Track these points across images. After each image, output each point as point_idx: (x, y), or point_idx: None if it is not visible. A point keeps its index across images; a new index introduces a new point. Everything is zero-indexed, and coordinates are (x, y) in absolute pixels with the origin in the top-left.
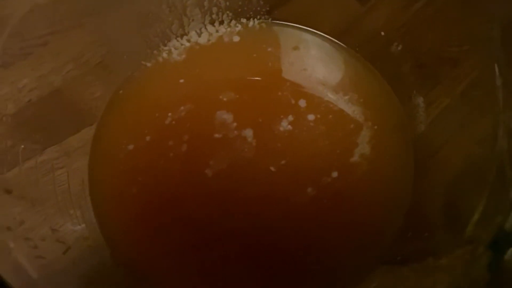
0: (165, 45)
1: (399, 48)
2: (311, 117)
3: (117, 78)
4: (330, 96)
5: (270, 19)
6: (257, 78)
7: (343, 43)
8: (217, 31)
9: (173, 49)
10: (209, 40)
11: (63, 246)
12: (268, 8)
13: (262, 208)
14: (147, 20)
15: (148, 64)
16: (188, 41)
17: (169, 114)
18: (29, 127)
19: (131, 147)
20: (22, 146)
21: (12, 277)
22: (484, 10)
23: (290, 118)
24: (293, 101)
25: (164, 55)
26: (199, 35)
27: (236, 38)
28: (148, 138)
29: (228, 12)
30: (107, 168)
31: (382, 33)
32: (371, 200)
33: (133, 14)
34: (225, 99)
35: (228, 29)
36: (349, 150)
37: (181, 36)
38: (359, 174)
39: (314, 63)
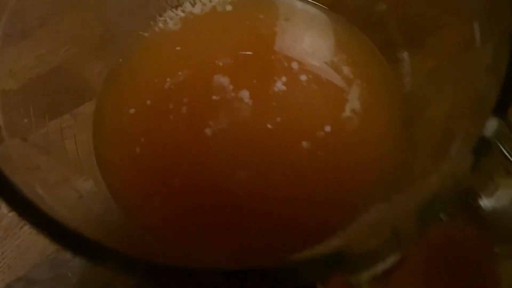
0: (161, 16)
1: (384, 7)
2: (303, 77)
3: (116, 52)
4: (320, 58)
5: None
6: (250, 44)
7: (331, 10)
8: (210, 1)
9: (168, 19)
10: (203, 10)
11: (77, 193)
12: None
13: (260, 162)
14: None
15: (146, 34)
16: (183, 11)
17: (168, 79)
18: (32, 102)
19: (132, 111)
20: (25, 120)
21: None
22: None
23: (284, 79)
24: (285, 64)
25: (161, 25)
26: (193, 5)
27: (229, 7)
28: (148, 102)
29: None
30: (110, 131)
31: None
32: (362, 152)
33: None
34: (221, 63)
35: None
36: (340, 106)
37: (176, 7)
38: (351, 128)
39: (304, 29)
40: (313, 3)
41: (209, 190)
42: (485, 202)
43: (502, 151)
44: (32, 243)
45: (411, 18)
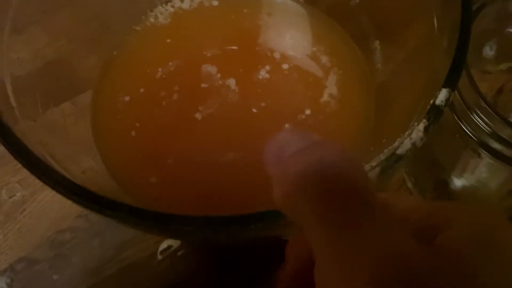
0: (151, 11)
1: (357, 1)
2: (285, 66)
3: (109, 46)
4: (301, 49)
5: None
6: (236, 36)
7: (310, 4)
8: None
9: (159, 14)
10: (191, 6)
11: (80, 169)
12: None
13: (246, 142)
14: None
15: (138, 28)
16: (172, 6)
17: (160, 69)
18: (37, 90)
19: (127, 98)
20: (33, 105)
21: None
22: None
23: (267, 68)
24: (269, 54)
25: (152, 19)
26: (182, 1)
27: (215, 3)
28: (142, 90)
29: None
30: (107, 117)
31: None
32: (339, 132)
33: None
34: (208, 54)
35: None
36: (319, 91)
37: (166, 3)
38: (328, 111)
39: (285, 22)
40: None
41: (200, 169)
42: (454, 180)
43: (464, 130)
44: (32, 226)
45: (382, 12)
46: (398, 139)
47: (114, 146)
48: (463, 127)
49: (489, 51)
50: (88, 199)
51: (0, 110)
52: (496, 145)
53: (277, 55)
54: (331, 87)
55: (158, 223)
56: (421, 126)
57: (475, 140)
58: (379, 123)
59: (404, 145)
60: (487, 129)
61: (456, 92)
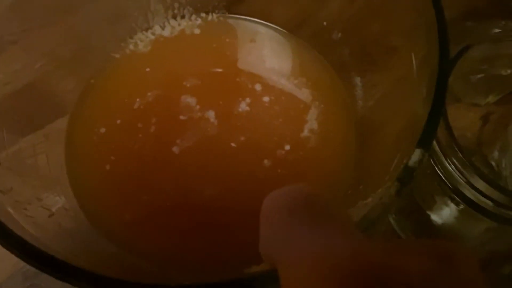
0: (131, 38)
1: (339, 35)
2: (266, 99)
3: (88, 71)
4: (282, 81)
5: (227, 13)
6: (217, 66)
7: (293, 34)
8: (179, 24)
9: (139, 42)
10: (172, 33)
11: (47, 212)
12: (225, 3)
13: (225, 178)
14: (114, 16)
15: (117, 56)
16: (153, 34)
17: (138, 99)
18: (6, 117)
19: (103, 130)
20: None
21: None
22: (408, 14)
23: (248, 100)
24: (250, 86)
25: (131, 47)
26: (163, 28)
27: (197, 31)
28: (118, 121)
29: (188, 7)
30: (81, 149)
31: (325, 23)
32: (319, 169)
33: (101, 11)
34: (188, 85)
35: (189, 22)
36: (299, 126)
37: (146, 30)
38: (309, 147)
39: (268, 52)
40: (276, 28)
41: (177, 206)
42: (434, 218)
43: (438, 173)
44: (5, 255)
45: (363, 48)
46: (372, 194)
47: (88, 180)
48: (439, 174)
49: (477, 85)
50: (41, 263)
51: None
52: (470, 195)
53: (258, 87)
54: (312, 122)
55: None
56: (393, 190)
57: (450, 188)
58: (360, 160)
59: (375, 209)
60: (460, 177)
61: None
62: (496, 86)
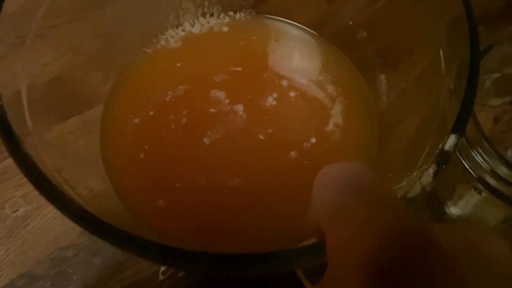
0: (162, 34)
1: (364, 35)
2: (292, 94)
3: (117, 66)
4: (308, 77)
5: (254, 12)
6: (244, 62)
7: (317, 33)
8: (208, 22)
9: (170, 38)
10: (201, 30)
11: (91, 193)
12: (252, 3)
13: (253, 168)
14: (146, 12)
15: (148, 51)
16: (183, 31)
17: (169, 92)
18: (36, 108)
19: (137, 120)
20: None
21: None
22: (433, 10)
23: (275, 95)
24: (276, 81)
25: (162, 43)
26: (193, 25)
27: (225, 29)
28: (151, 112)
29: (218, 6)
30: (116, 139)
31: (350, 23)
32: (343, 160)
33: (133, 7)
34: (217, 79)
35: (218, 20)
36: (324, 120)
37: (177, 27)
38: (333, 140)
39: (293, 49)
40: (301, 26)
41: (208, 193)
42: (451, 209)
43: (464, 164)
44: (34, 242)
45: (387, 44)
46: (406, 178)
47: (123, 168)
48: (464, 163)
49: (490, 87)
50: (98, 228)
51: (13, 128)
52: (493, 182)
53: (284, 83)
54: (336, 116)
55: (163, 257)
56: (431, 171)
57: (474, 176)
58: (382, 154)
59: (414, 189)
60: (486, 166)
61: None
62: (509, 88)
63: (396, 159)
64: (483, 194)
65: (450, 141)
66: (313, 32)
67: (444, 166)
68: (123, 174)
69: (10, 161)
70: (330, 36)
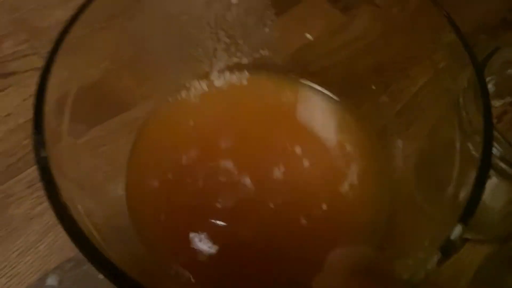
0: (188, 84)
1: (386, 99)
2: (306, 162)
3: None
4: (325, 135)
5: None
6: (258, 125)
7: (338, 98)
8: (231, 76)
9: (193, 89)
10: (223, 84)
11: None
12: (280, 63)
13: (264, 237)
14: (182, 57)
15: (170, 99)
16: (207, 83)
17: (184, 156)
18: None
19: (156, 183)
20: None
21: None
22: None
23: (287, 163)
24: (289, 146)
25: (183, 94)
26: (217, 79)
27: (245, 82)
28: (170, 176)
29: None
30: (138, 194)
31: (373, 87)
32: (354, 222)
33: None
34: (227, 146)
35: (240, 75)
36: (339, 181)
37: (201, 78)
38: (346, 202)
39: (309, 111)
40: (319, 89)
41: (222, 257)
42: None
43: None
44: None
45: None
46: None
47: (144, 225)
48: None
49: (491, 88)
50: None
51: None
52: (502, 165)
53: (298, 150)
54: (352, 177)
55: None
56: (435, 259)
57: None
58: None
59: (418, 274)
60: (495, 152)
61: (464, 114)
62: (508, 89)
63: (403, 228)
64: (492, 179)
65: (456, 231)
66: (335, 97)
67: (449, 256)
68: (148, 231)
69: None
70: (353, 100)
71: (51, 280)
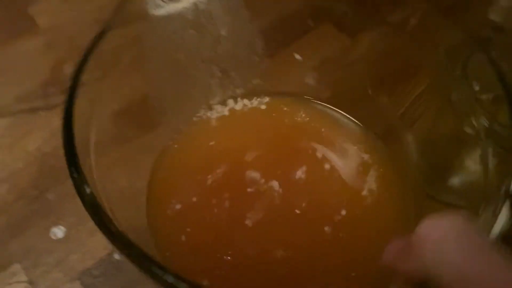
0: (210, 109)
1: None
2: (327, 166)
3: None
4: (344, 147)
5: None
6: (280, 139)
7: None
8: (250, 101)
9: (215, 112)
10: (242, 108)
11: None
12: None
13: (293, 242)
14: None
15: (194, 119)
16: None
17: (209, 176)
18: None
19: (178, 206)
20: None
21: None
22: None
23: (309, 168)
24: (310, 153)
25: (206, 115)
26: (236, 103)
27: (263, 107)
28: (194, 199)
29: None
30: (159, 216)
31: (376, 96)
32: (376, 227)
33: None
34: (250, 158)
35: (259, 99)
36: (359, 186)
37: (221, 103)
38: (366, 206)
39: (326, 127)
40: (334, 109)
41: (251, 270)
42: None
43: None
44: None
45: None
46: None
47: (166, 246)
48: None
49: (475, 85)
50: None
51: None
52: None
53: (319, 155)
54: (370, 183)
55: None
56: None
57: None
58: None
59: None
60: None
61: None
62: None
63: None
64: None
65: None
66: (356, 120)
67: None
68: (168, 253)
69: None
70: (364, 117)
71: (118, 255)
